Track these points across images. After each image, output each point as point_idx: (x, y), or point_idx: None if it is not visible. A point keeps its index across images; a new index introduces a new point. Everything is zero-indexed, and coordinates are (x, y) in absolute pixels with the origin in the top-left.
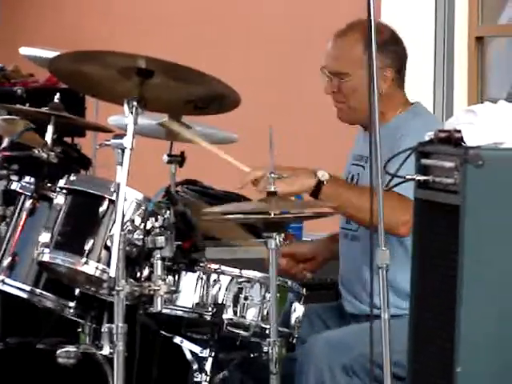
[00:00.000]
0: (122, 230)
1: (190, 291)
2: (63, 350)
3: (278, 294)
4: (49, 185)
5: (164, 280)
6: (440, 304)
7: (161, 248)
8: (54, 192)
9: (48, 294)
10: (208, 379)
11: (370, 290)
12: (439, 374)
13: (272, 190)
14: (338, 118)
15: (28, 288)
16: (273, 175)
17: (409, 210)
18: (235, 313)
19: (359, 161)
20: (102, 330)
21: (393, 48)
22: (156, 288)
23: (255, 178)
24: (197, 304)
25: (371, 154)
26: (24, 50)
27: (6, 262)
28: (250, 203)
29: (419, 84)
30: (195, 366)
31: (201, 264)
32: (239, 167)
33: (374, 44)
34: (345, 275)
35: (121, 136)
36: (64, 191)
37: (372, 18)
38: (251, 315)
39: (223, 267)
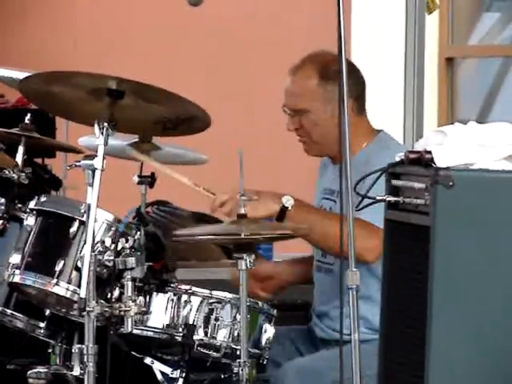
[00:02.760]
0: (93, 251)
1: (160, 312)
2: (34, 370)
3: (249, 316)
4: (19, 205)
5: (134, 301)
6: (410, 325)
7: (131, 269)
8: (25, 213)
9: (19, 314)
10: None
11: (340, 309)
12: None
13: (242, 211)
14: (305, 152)
15: None
16: (243, 197)
17: (374, 236)
18: (206, 334)
19: (330, 195)
20: (73, 350)
21: (350, 77)
22: (126, 309)
23: (222, 202)
24: (167, 325)
25: (341, 187)
26: None
27: None
28: (221, 225)
29: (389, 105)
30: None
31: (171, 285)
32: (204, 194)
33: (344, 75)
34: (317, 306)
35: (91, 157)
36: (34, 212)
37: (343, 44)
38: (222, 336)
39: (194, 288)
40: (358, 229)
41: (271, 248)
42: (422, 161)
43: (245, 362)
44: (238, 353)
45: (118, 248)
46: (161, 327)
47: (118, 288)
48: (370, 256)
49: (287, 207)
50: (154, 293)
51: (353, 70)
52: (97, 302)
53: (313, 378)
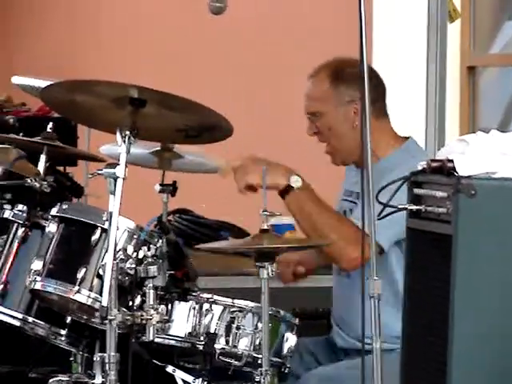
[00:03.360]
0: (115, 258)
1: (182, 320)
2: (55, 379)
3: (271, 324)
4: (41, 213)
5: (156, 309)
6: (432, 334)
7: (153, 277)
8: (47, 220)
9: (40, 321)
10: None
11: (362, 318)
12: None
13: (265, 227)
14: (332, 162)
15: (20, 316)
16: (265, 213)
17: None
18: (227, 342)
19: (349, 196)
20: (94, 358)
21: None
22: (148, 317)
23: (234, 168)
24: (189, 333)
25: (363, 192)
26: (16, 80)
27: None
28: (243, 240)
29: (411, 114)
30: None
31: (193, 293)
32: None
33: (366, 81)
34: (336, 312)
35: (113, 165)
36: (56, 219)
37: (364, 50)
38: (243, 345)
39: (216, 297)
40: (353, 236)
41: None
42: (444, 169)
43: (266, 370)
44: (259, 361)
45: (140, 256)
46: (182, 336)
47: (139, 296)
48: (346, 264)
49: (293, 186)
50: (176, 301)
51: (372, 75)
52: (118, 310)
53: None
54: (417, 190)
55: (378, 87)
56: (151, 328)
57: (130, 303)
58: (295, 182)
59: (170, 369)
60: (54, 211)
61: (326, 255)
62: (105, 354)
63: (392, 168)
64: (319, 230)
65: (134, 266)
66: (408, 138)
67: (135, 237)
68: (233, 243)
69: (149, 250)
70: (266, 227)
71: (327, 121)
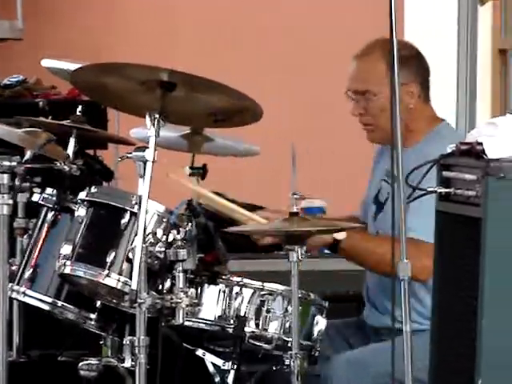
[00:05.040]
0: (144, 242)
1: (212, 304)
2: (85, 362)
3: (301, 307)
4: (71, 197)
5: (186, 293)
6: (462, 317)
7: (183, 260)
8: (76, 204)
9: (70, 305)
10: None
11: (392, 300)
12: None
13: (294, 210)
14: (369, 139)
15: (50, 300)
16: (296, 195)
17: (425, 255)
18: (257, 325)
19: (390, 177)
20: (124, 342)
21: (415, 63)
22: (178, 301)
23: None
24: (219, 317)
25: (393, 175)
26: (46, 62)
27: (28, 273)
28: (273, 223)
29: (442, 97)
30: (217, 379)
31: (223, 277)
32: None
33: (396, 61)
34: (370, 287)
35: (143, 148)
36: (86, 203)
37: (394, 32)
38: (273, 328)
39: (245, 280)
40: (410, 249)
41: None
42: (474, 152)
43: (296, 353)
44: (289, 345)
45: (170, 239)
46: (212, 319)
47: (169, 280)
48: (422, 276)
49: (339, 240)
50: (206, 284)
51: (418, 57)
52: (148, 294)
53: (362, 370)
54: (446, 173)
55: (426, 69)
56: (181, 311)
57: (160, 287)
58: (339, 235)
59: (199, 352)
60: (83, 195)
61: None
62: (134, 338)
63: (424, 149)
64: (381, 261)
65: (163, 249)
66: (442, 120)
67: (165, 220)
68: (262, 226)
69: (178, 233)
70: (295, 210)
71: (380, 102)
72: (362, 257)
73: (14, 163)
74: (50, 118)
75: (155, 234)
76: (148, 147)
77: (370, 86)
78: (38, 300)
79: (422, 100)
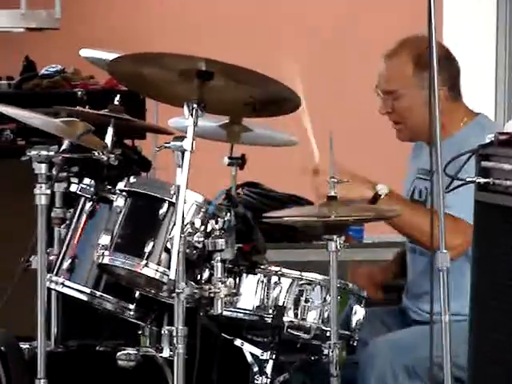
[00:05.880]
0: (182, 232)
1: (250, 294)
2: (123, 352)
3: (339, 297)
4: (109, 187)
5: (224, 282)
6: (499, 307)
7: (221, 250)
8: (114, 194)
9: (108, 296)
10: (269, 382)
11: (431, 290)
12: (499, 378)
13: (332, 193)
14: (398, 138)
15: (88, 290)
16: (333, 180)
17: (462, 233)
18: (296, 315)
19: (425, 175)
20: (162, 332)
21: (445, 65)
22: (216, 290)
23: (316, 170)
24: (257, 306)
25: (431, 167)
26: (84, 52)
27: (66, 264)
28: (311, 208)
29: (481, 89)
30: (256, 369)
31: (261, 266)
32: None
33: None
34: (411, 287)
35: (181, 138)
36: (124, 193)
37: (433, 32)
38: (312, 318)
39: (284, 269)
40: (448, 224)
41: (362, 230)
42: None
43: (335, 343)
44: (328, 334)
45: (208, 229)
46: (251, 309)
47: (207, 270)
48: (454, 252)
49: (380, 195)
50: (244, 274)
51: (449, 59)
52: (186, 284)
53: (403, 352)
54: (485, 163)
55: (456, 70)
56: (219, 301)
57: (198, 277)
58: (381, 189)
59: (238, 342)
60: (121, 185)
61: (429, 248)
62: (173, 328)
63: (462, 142)
64: (416, 227)
65: (201, 239)
66: (479, 113)
67: (203, 210)
68: (300, 211)
69: (217, 223)
70: (333, 194)
71: (408, 102)
72: (400, 216)
73: (52, 153)
74: (87, 107)
75: (193, 224)
76: (186, 137)
77: (396, 86)
78: (77, 291)
79: (449, 102)
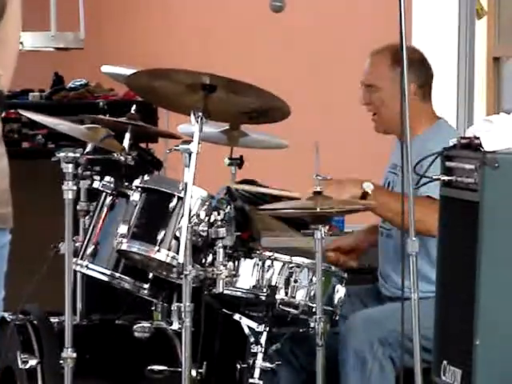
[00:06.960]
0: (189, 222)
1: (247, 275)
2: (139, 325)
3: (323, 278)
4: (126, 184)
5: (225, 265)
6: (462, 287)
7: (222, 238)
8: (131, 190)
9: (126, 277)
10: (263, 350)
11: (402, 273)
12: (460, 347)
13: (318, 189)
14: (375, 129)
15: (108, 272)
16: (318, 177)
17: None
18: (286, 294)
19: (394, 169)
20: (172, 308)
21: (418, 67)
22: (218, 272)
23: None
24: (253, 286)
25: (403, 163)
26: (105, 68)
27: (90, 249)
28: (299, 201)
29: (444, 99)
30: (252, 339)
31: (257, 251)
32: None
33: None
34: (381, 267)
35: (188, 142)
36: (139, 189)
37: (404, 38)
38: (300, 296)
39: (276, 254)
40: (428, 207)
41: (343, 220)
42: (472, 145)
43: (320, 317)
44: (314, 310)
45: (211, 220)
46: (248, 288)
47: (211, 254)
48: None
49: (367, 192)
50: (242, 258)
51: (423, 62)
52: (193, 267)
53: (377, 326)
54: (449, 163)
55: (428, 73)
56: (221, 281)
57: (203, 260)
58: (367, 187)
59: (237, 316)
60: (137, 182)
61: (417, 232)
62: (181, 304)
63: (424, 143)
64: (397, 212)
65: (206, 228)
66: (440, 118)
67: (207, 204)
68: (290, 204)
69: (219, 214)
70: (318, 189)
71: (382, 95)
72: (385, 206)
73: (78, 155)
74: (108, 116)
75: (199, 215)
76: (193, 141)
77: (374, 80)
78: (99, 272)
79: (419, 99)
